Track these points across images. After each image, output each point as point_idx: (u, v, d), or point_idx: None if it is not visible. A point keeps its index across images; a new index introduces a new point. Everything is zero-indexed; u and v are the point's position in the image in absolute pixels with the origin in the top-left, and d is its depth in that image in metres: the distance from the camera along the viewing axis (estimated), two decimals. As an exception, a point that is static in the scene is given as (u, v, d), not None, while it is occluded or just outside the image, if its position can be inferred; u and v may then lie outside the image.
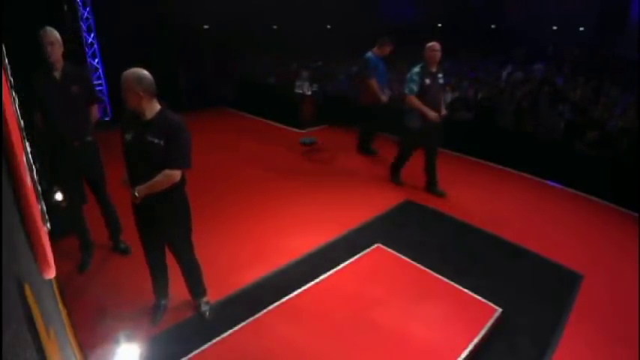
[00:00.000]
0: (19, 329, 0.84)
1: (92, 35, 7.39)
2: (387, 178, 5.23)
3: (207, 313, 2.88)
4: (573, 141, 5.26)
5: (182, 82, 8.80)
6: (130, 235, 3.05)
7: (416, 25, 11.17)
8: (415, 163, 4.94)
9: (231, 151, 6.42)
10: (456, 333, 2.65)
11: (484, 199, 4.82)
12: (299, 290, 3.03)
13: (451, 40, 8.48)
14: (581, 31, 10.63)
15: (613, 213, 4.63)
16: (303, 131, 7.41)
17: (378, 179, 5.33)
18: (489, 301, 2.93)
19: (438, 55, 4.51)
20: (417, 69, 4.55)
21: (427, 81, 4.51)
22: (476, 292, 3.01)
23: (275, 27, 11.46)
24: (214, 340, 2.57)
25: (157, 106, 2.41)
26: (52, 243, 1.54)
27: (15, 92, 1.84)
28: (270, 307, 2.85)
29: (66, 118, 3.08)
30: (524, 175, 5.53)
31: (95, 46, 7.47)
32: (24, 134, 1.75)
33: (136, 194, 2.37)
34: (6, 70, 1.65)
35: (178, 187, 2.51)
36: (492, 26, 11.94)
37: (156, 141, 2.33)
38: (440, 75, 4.64)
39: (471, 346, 2.54)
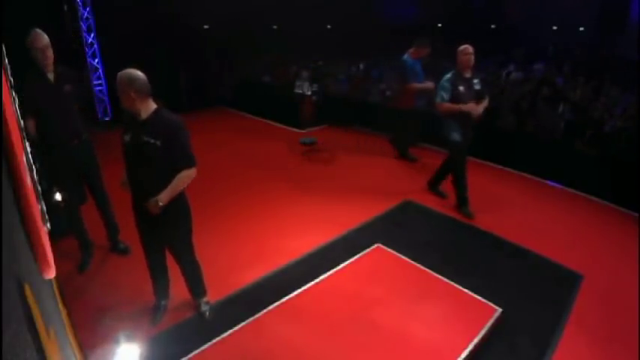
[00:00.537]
0: (19, 329, 0.84)
1: (92, 35, 7.39)
2: (387, 178, 5.22)
3: (208, 313, 2.88)
4: (573, 141, 5.26)
5: (182, 82, 8.81)
6: (130, 235, 3.05)
7: (416, 25, 11.16)
8: (415, 163, 4.92)
9: (231, 151, 6.42)
10: (456, 333, 2.65)
11: (484, 199, 4.81)
12: (299, 290, 3.03)
13: (451, 40, 8.46)
14: (581, 31, 10.64)
15: (613, 213, 4.63)
16: (303, 131, 7.40)
17: (379, 179, 5.33)
18: (489, 301, 2.93)
19: (472, 58, 4.03)
20: (448, 75, 4.11)
21: (461, 88, 4.04)
22: (476, 292, 3.01)
23: (275, 27, 11.47)
24: (214, 340, 2.57)
25: (153, 106, 2.41)
26: (52, 243, 1.54)
27: (15, 92, 1.84)
28: (270, 307, 2.85)
29: (64, 119, 3.10)
30: (524, 175, 5.53)
31: (95, 46, 7.47)
32: (24, 134, 1.75)
33: (160, 203, 2.34)
34: (6, 70, 1.65)
35: None
36: (492, 26, 11.93)
37: (152, 141, 2.33)
38: (475, 81, 4.15)
39: (471, 346, 2.54)
